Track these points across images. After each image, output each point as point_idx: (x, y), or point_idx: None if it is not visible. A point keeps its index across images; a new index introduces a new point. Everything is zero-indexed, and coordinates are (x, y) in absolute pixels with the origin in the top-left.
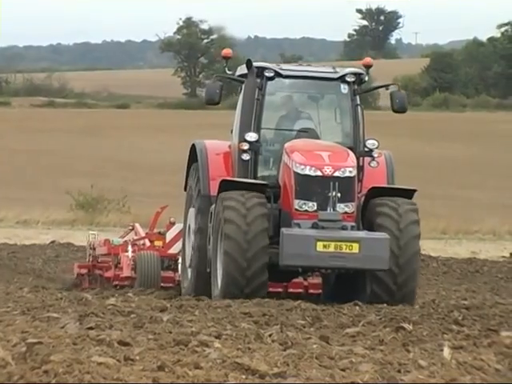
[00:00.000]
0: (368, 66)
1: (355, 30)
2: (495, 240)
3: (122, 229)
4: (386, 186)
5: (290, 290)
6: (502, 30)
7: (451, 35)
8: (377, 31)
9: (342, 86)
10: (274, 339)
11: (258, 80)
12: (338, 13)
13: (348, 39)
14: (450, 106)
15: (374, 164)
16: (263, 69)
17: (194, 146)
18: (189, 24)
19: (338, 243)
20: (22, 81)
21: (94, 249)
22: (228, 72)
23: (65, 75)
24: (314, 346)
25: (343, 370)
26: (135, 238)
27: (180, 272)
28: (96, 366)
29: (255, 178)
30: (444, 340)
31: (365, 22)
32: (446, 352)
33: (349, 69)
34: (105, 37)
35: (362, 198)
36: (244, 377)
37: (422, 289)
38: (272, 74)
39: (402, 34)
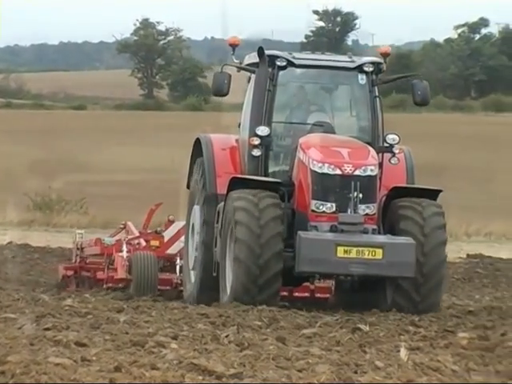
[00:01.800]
0: (386, 55)
1: (312, 32)
2: (452, 241)
3: (79, 230)
4: (409, 185)
5: (296, 294)
6: (459, 31)
7: (408, 36)
8: (333, 32)
9: (360, 76)
10: (231, 340)
11: (270, 69)
12: (295, 15)
13: (305, 40)
14: (406, 108)
15: (394, 161)
16: (275, 57)
17: (198, 140)
18: (146, 25)
19: (360, 248)
20: None
21: (82, 249)
22: (235, 61)
23: (22, 76)
24: (271, 347)
25: (300, 370)
26: (130, 237)
27: (182, 274)
28: (53, 366)
29: (266, 174)
30: (400, 341)
31: (321, 24)
32: (403, 353)
33: (367, 58)
34: (61, 38)
35: (383, 199)
36: (201, 378)
37: None
38: (284, 63)
39: (359, 35)
